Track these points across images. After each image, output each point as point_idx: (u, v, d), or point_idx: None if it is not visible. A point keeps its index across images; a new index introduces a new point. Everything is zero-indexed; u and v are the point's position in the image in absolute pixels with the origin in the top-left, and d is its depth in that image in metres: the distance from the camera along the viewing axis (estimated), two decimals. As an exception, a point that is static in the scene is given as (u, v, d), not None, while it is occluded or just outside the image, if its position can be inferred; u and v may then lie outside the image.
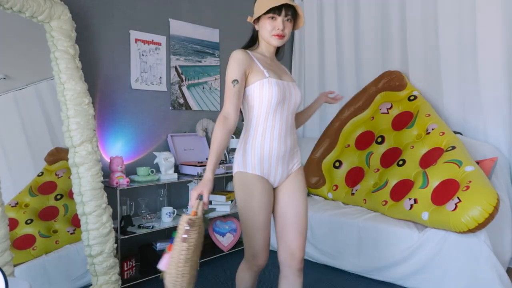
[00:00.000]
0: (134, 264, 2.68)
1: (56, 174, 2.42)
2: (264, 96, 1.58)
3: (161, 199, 3.01)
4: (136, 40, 2.97)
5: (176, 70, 3.25)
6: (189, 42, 3.34)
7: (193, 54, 3.37)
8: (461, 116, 3.14)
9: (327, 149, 3.45)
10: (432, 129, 2.87)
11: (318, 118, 4.14)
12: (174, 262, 1.34)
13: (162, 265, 1.37)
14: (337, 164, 3.38)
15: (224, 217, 3.19)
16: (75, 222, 2.41)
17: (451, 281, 2.29)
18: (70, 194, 2.37)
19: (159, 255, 2.72)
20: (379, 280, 2.62)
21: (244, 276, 1.75)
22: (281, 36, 1.62)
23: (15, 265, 2.06)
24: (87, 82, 2.49)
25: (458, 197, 2.28)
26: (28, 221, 2.26)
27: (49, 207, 2.36)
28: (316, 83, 4.15)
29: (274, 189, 1.71)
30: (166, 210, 2.80)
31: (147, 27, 3.04)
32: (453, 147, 2.63)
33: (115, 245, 2.39)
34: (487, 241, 2.23)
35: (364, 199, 3.00)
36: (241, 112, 1.69)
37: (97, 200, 2.31)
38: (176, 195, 3.21)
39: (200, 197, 1.44)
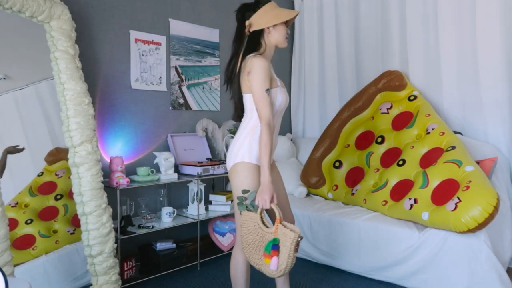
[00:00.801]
0: (134, 264, 2.68)
1: (56, 174, 2.42)
2: (277, 102, 1.81)
3: (161, 199, 3.01)
4: (136, 40, 2.97)
5: (176, 70, 3.25)
6: (189, 42, 3.34)
7: (193, 54, 3.37)
8: (461, 116, 3.14)
9: (327, 149, 3.45)
10: (432, 129, 2.87)
11: (318, 118, 4.14)
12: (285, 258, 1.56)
13: (273, 265, 1.58)
14: (337, 164, 3.38)
15: (224, 217, 3.19)
16: (75, 222, 2.41)
17: (451, 281, 2.29)
18: (70, 194, 2.37)
19: (159, 255, 2.72)
20: (379, 280, 2.62)
21: (239, 260, 1.86)
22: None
23: (15, 265, 2.06)
24: (87, 82, 2.49)
25: (458, 197, 2.28)
26: (28, 221, 2.26)
27: (49, 207, 2.36)
28: (316, 83, 4.15)
29: None
30: (166, 210, 2.80)
31: (147, 27, 3.04)
32: (453, 147, 2.63)
33: (115, 245, 2.39)
34: (487, 241, 2.23)
35: (364, 199, 3.00)
36: (240, 112, 1.92)
37: (97, 200, 2.31)
38: (176, 195, 3.21)
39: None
